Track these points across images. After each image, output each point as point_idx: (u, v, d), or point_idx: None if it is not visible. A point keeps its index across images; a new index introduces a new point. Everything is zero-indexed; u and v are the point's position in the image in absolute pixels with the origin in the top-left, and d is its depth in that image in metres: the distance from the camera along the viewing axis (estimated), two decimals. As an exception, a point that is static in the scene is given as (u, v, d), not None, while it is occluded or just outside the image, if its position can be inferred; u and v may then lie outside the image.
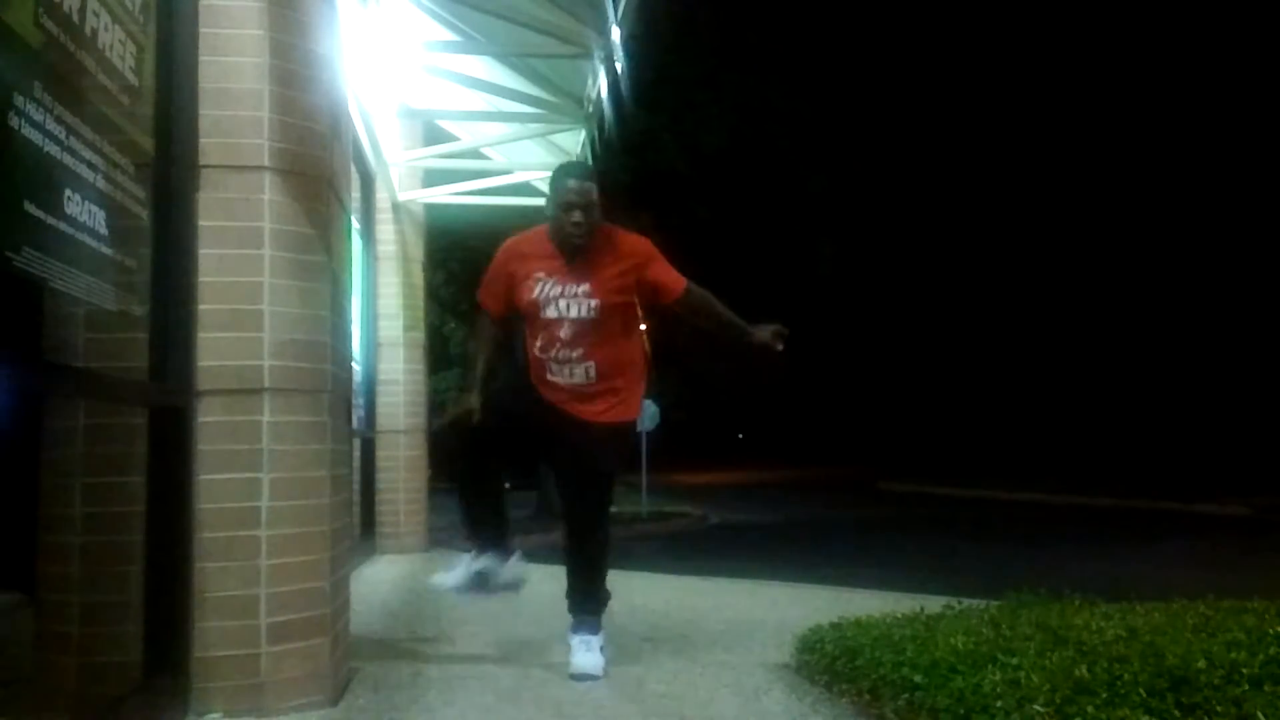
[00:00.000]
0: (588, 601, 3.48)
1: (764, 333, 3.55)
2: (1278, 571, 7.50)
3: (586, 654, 3.36)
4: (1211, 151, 24.63)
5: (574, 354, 3.39)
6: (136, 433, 2.67)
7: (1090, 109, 27.26)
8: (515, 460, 3.74)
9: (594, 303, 3.34)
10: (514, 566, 3.59)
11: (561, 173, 3.43)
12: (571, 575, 3.51)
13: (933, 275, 29.77)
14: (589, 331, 3.37)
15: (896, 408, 34.41)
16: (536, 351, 3.46)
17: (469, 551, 3.61)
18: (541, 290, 3.38)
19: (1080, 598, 3.83)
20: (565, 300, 3.35)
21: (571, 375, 3.41)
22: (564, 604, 3.52)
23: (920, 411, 33.49)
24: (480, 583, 3.53)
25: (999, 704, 2.38)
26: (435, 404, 7.85)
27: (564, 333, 3.37)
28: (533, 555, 6.99)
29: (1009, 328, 28.71)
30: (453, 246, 12.75)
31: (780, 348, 3.55)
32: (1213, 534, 11.34)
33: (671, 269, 3.48)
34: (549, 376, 3.45)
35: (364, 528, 7.11)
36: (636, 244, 3.47)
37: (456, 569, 3.56)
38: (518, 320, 3.59)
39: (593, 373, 3.40)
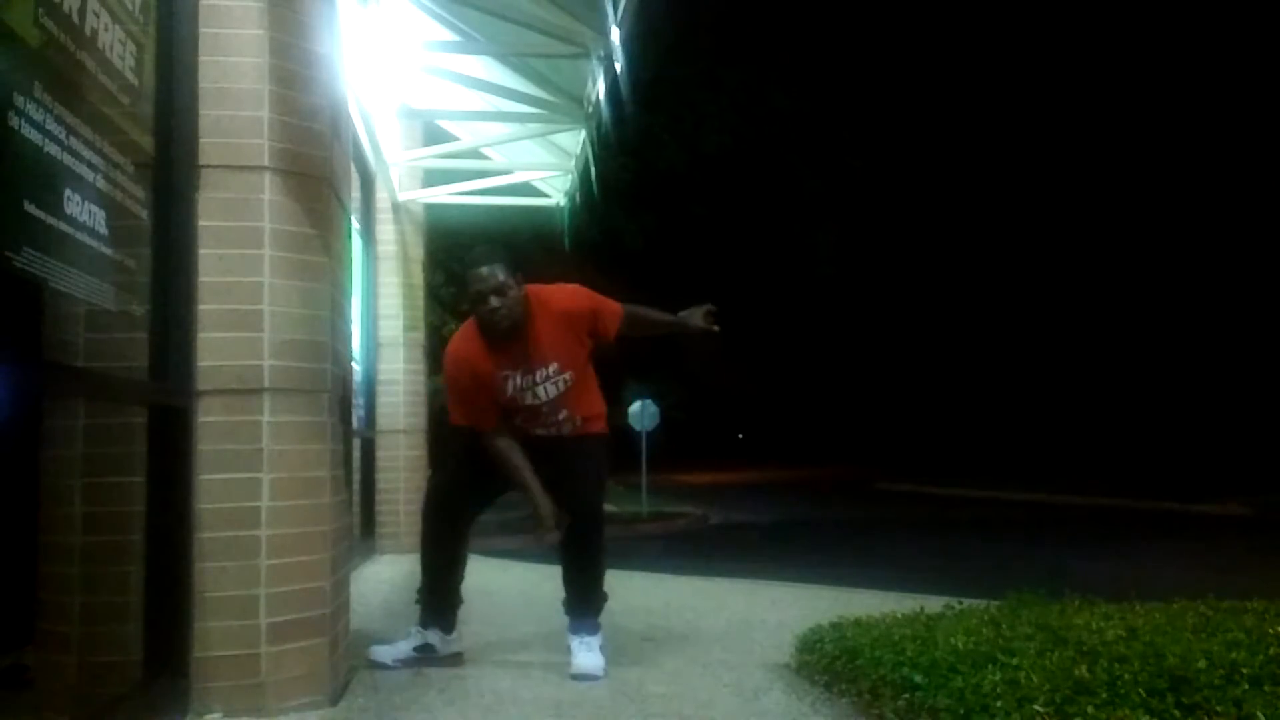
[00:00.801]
0: (586, 607, 3.49)
1: (695, 319, 3.61)
2: (1278, 571, 7.50)
3: (586, 654, 3.37)
4: (1211, 151, 24.63)
5: (559, 416, 3.50)
6: (136, 433, 2.67)
7: (1089, 110, 27.27)
8: (493, 498, 3.71)
9: (566, 376, 3.43)
10: (454, 643, 3.62)
11: (465, 267, 3.41)
12: (569, 585, 3.52)
13: (932, 275, 29.78)
14: (565, 393, 3.46)
15: (895, 408, 34.40)
16: (519, 423, 3.51)
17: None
18: (514, 386, 3.42)
19: (1080, 598, 3.82)
20: (540, 385, 3.42)
21: (560, 430, 3.53)
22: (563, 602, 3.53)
23: (919, 411, 33.48)
24: (423, 654, 3.51)
25: (999, 704, 2.38)
26: (436, 405, 7.83)
27: (546, 408, 3.47)
28: (531, 555, 7.01)
29: (1008, 327, 28.70)
30: (453, 246, 12.74)
31: (716, 328, 3.60)
32: (1213, 534, 11.32)
33: (608, 303, 3.50)
34: (535, 431, 3.52)
35: (364, 528, 7.11)
36: (571, 298, 3.47)
37: (398, 643, 3.54)
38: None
39: (578, 419, 3.53)
